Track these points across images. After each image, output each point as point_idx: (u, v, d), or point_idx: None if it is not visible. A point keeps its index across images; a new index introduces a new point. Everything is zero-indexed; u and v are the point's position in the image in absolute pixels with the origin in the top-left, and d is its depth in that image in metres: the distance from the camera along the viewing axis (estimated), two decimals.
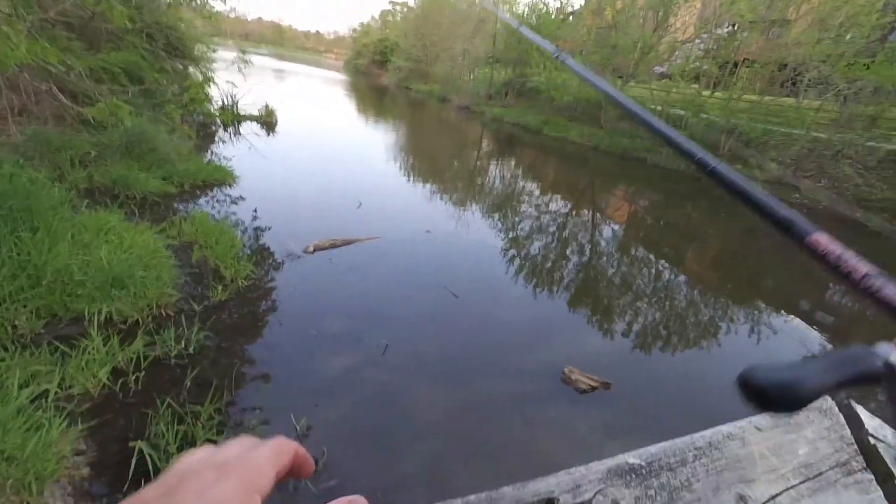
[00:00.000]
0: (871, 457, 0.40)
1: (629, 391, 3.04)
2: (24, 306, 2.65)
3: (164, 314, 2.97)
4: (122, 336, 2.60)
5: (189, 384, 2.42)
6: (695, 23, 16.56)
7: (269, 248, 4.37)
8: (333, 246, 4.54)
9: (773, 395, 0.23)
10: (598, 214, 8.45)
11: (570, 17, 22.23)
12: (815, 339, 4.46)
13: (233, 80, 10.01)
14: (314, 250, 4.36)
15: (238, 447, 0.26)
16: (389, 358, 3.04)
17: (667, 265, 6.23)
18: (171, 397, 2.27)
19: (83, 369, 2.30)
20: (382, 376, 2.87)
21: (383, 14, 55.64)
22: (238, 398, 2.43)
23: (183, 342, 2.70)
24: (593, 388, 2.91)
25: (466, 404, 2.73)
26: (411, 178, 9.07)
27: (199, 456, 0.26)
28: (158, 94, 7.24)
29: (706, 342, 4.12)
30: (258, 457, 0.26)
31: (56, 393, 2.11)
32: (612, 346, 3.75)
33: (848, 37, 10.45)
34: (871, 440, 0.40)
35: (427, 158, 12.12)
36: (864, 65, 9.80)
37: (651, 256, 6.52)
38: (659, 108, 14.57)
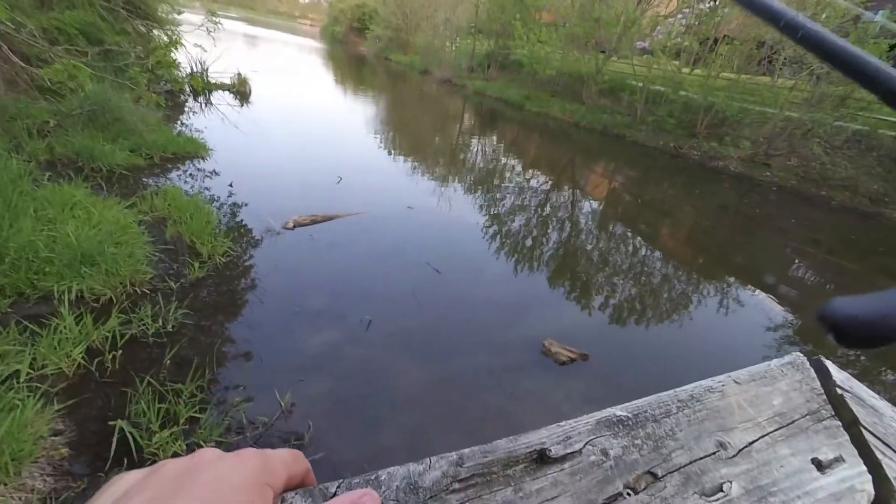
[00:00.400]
0: (838, 406, 0.44)
1: (606, 362, 3.17)
2: None
3: (138, 292, 2.89)
4: (95, 315, 2.53)
5: (168, 363, 2.39)
6: None
7: (246, 225, 4.26)
8: (314, 222, 4.46)
9: (856, 331, 0.21)
10: (577, 191, 8.54)
11: None
12: (778, 312, 4.72)
13: (201, 44, 9.44)
14: (294, 226, 4.28)
15: (256, 450, 0.28)
16: (372, 334, 3.06)
17: (643, 241, 6.40)
18: (150, 376, 2.24)
19: (56, 349, 2.24)
20: (366, 352, 2.90)
21: None
22: (220, 376, 2.42)
23: (161, 320, 2.65)
24: (572, 360, 3.03)
25: (448, 377, 2.80)
26: (392, 153, 8.90)
27: (218, 451, 0.27)
28: (120, 58, 6.77)
29: (678, 315, 4.31)
30: (274, 456, 0.27)
31: (28, 374, 2.05)
32: (589, 320, 3.88)
33: (823, 16, 10.58)
34: (839, 391, 0.45)
35: (408, 133, 11.87)
36: None
37: (628, 233, 6.67)
38: (640, 84, 14.59)
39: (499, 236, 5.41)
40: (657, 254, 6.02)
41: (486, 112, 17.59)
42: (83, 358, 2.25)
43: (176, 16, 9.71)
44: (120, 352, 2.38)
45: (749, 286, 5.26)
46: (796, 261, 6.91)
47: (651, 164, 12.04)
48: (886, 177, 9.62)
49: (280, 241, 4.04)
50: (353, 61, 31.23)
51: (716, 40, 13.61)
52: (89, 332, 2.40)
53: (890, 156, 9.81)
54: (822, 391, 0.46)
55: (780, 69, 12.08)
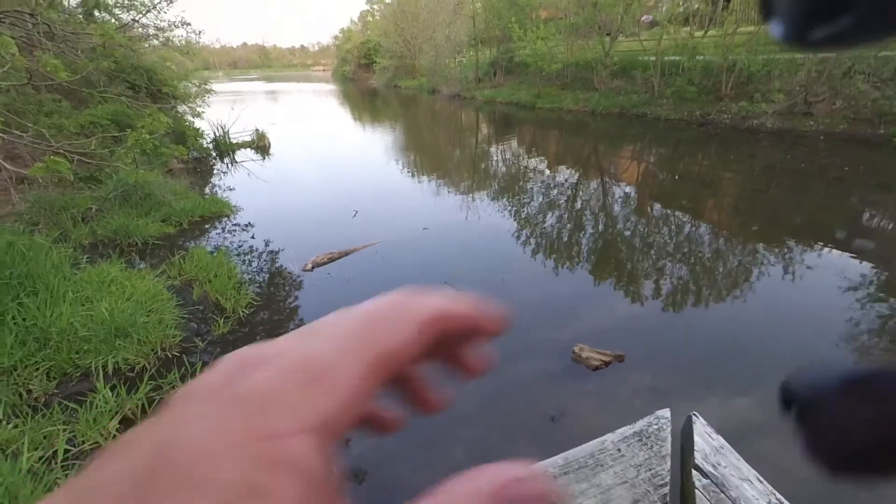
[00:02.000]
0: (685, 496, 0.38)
1: (645, 361, 2.91)
2: (36, 369, 2.73)
3: (168, 356, 3.01)
4: (128, 384, 2.65)
5: None
6: None
7: (267, 274, 4.40)
8: (331, 260, 4.53)
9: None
10: (606, 179, 8.18)
11: None
12: (857, 269, 4.18)
13: (225, 110, 10.15)
14: (312, 267, 4.36)
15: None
16: None
17: (686, 219, 5.97)
18: None
19: (93, 423, 2.35)
20: None
21: (362, 15, 55.30)
22: None
23: (188, 380, 2.73)
24: (606, 363, 2.80)
25: (471, 398, 2.67)
26: (407, 177, 9.00)
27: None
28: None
29: (736, 292, 3.92)
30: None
31: (67, 452, 2.16)
32: (629, 315, 3.62)
33: None
34: (694, 475, 0.37)
35: (422, 153, 12.01)
36: None
37: (668, 213, 6.26)
38: (653, 58, 13.98)
39: (521, 242, 5.24)
40: (703, 229, 5.59)
41: (499, 118, 17.51)
42: (117, 429, 2.35)
43: (195, 88, 10.52)
44: None
45: (817, 247, 4.74)
46: (866, 210, 6.17)
47: (679, 137, 11.39)
48: None
49: (299, 284, 4.13)
50: (364, 95, 32.40)
51: None
52: (123, 402, 2.51)
53: None
54: (678, 471, 0.40)
55: None
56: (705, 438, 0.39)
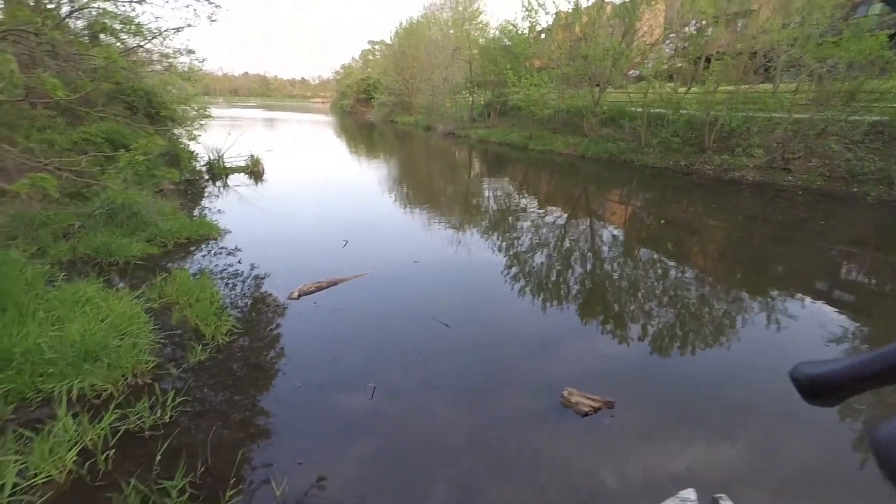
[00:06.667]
0: None
1: (634, 408, 2.85)
2: None
3: (139, 383, 2.85)
4: (93, 412, 2.49)
5: (160, 458, 2.28)
6: (661, 24, 16.95)
7: (253, 300, 4.28)
8: (319, 289, 4.45)
9: (809, 390, 0.28)
10: (594, 221, 8.36)
11: (542, 35, 22.83)
12: (837, 320, 4.25)
13: (222, 134, 10.24)
14: (299, 296, 4.27)
15: None
16: (377, 402, 2.88)
17: (672, 263, 6.07)
18: (141, 473, 2.13)
19: (49, 454, 2.17)
20: (370, 423, 2.71)
21: (364, 54, 57.56)
22: (214, 466, 2.28)
23: (158, 411, 2.58)
24: (595, 410, 2.73)
25: (458, 445, 2.56)
26: (399, 209, 9.06)
27: None
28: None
29: (720, 339, 3.93)
30: None
31: (14, 486, 1.97)
32: (616, 357, 3.58)
33: (813, 19, 10.57)
34: None
35: (415, 187, 12.17)
36: (833, 42, 9.87)
37: (654, 256, 6.37)
38: (639, 109, 14.71)
39: (511, 279, 5.24)
40: (689, 274, 5.68)
41: (492, 157, 18.00)
42: (74, 462, 2.17)
43: (193, 112, 10.64)
44: (113, 450, 2.30)
45: (798, 296, 4.83)
46: (844, 263, 6.37)
47: (665, 184, 11.80)
48: None
49: (284, 312, 4.02)
50: (361, 128, 33.16)
51: (707, 59, 13.75)
52: (85, 431, 2.34)
53: None
54: None
55: (780, 75, 11.96)
56: None
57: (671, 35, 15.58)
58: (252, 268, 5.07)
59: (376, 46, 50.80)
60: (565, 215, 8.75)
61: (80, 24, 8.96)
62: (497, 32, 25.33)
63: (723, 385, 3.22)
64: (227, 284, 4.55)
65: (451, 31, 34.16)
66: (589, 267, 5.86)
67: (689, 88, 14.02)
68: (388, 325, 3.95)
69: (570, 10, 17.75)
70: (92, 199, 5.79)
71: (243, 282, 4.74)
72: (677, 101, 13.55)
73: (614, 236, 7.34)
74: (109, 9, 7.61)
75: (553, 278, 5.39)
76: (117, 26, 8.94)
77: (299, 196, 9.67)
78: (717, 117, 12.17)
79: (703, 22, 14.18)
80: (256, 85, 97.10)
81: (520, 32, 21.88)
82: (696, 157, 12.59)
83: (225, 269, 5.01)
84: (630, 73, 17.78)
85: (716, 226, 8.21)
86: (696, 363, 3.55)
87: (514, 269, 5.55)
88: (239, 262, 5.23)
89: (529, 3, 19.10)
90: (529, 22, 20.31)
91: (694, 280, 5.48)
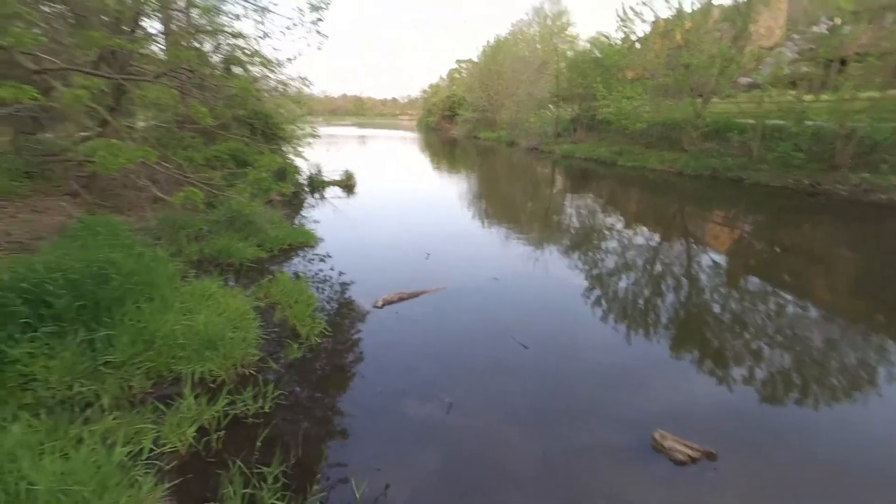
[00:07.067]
0: None
1: (741, 465, 2.50)
2: (139, 369, 3.05)
3: (246, 373, 3.22)
4: (209, 395, 2.85)
5: (260, 444, 2.53)
6: (781, 25, 15.10)
7: (341, 305, 4.61)
8: (401, 299, 4.64)
9: None
10: (691, 244, 7.63)
11: (637, 45, 21.70)
12: None
13: (321, 150, 11.35)
14: (383, 305, 4.50)
15: None
16: (454, 417, 2.90)
17: (789, 297, 5.30)
18: (243, 458, 2.39)
19: (176, 427, 2.54)
20: (445, 436, 2.74)
21: (451, 73, 59.74)
22: (303, 460, 2.47)
23: (259, 401, 2.87)
24: (693, 460, 2.45)
25: (530, 473, 2.46)
26: (480, 224, 9.14)
27: None
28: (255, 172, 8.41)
29: (853, 396, 3.31)
30: None
31: (151, 450, 2.34)
32: (717, 403, 3.19)
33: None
34: None
35: (496, 202, 12.20)
36: None
37: (766, 287, 5.62)
38: (751, 121, 13.18)
39: (594, 302, 4.97)
40: (812, 312, 4.90)
41: (577, 172, 17.40)
42: (194, 437, 2.51)
43: (300, 131, 11.91)
44: (223, 432, 2.61)
45: None
46: None
47: (782, 206, 10.37)
48: None
49: (368, 319, 4.26)
50: (445, 144, 34.26)
51: (843, 61, 11.92)
52: (203, 411, 2.69)
53: None
54: None
55: None
56: None
57: (794, 37, 13.79)
58: (340, 274, 5.47)
59: (463, 65, 52.39)
60: (657, 236, 8.10)
61: (216, 58, 10.61)
62: (587, 45, 24.65)
63: (857, 451, 2.69)
64: (318, 289, 4.95)
65: (539, 46, 34.02)
66: (684, 295, 5.33)
67: (818, 96, 12.22)
68: (466, 340, 3.98)
69: (670, 17, 16.64)
70: (218, 208, 6.73)
71: (332, 287, 5.14)
72: (801, 110, 11.89)
73: (716, 262, 6.60)
74: (241, 45, 8.89)
75: (641, 305, 5.00)
76: (245, 59, 10.42)
77: (385, 208, 10.25)
78: (854, 129, 10.43)
79: (838, 20, 12.34)
80: (352, 105, 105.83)
81: (612, 44, 21.01)
82: (824, 175, 10.88)
83: (317, 274, 5.48)
84: (740, 80, 16.05)
85: (851, 257, 6.99)
86: (820, 420, 3.02)
87: (597, 292, 5.26)
88: (330, 268, 5.68)
89: (624, 13, 18.33)
90: (624, 32, 19.47)
91: (819, 320, 4.70)
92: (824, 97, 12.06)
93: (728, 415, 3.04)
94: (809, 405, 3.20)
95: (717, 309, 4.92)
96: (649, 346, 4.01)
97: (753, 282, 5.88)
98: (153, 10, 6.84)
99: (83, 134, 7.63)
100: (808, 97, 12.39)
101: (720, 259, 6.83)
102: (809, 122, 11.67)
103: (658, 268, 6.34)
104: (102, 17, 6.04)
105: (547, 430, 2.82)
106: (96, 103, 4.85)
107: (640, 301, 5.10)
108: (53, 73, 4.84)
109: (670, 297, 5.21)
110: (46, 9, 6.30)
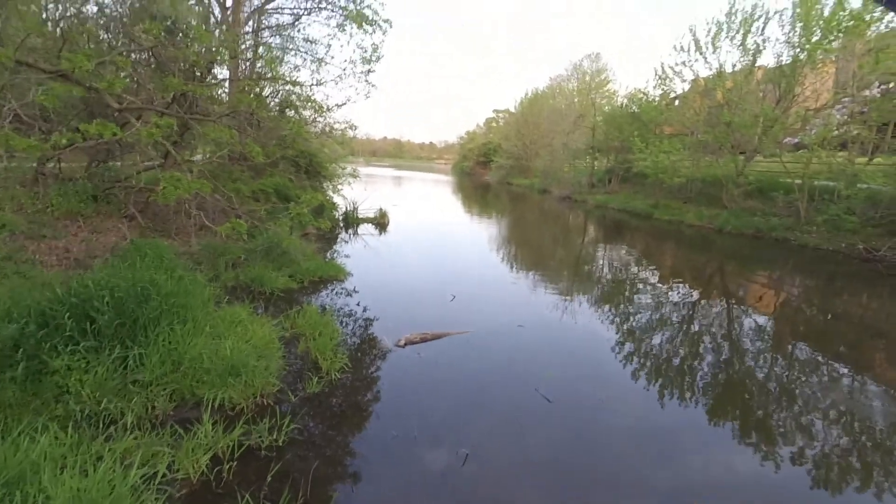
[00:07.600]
0: None
1: None
2: (164, 389, 3.12)
3: (264, 403, 3.22)
4: (226, 422, 2.86)
5: (270, 479, 2.48)
6: (829, 88, 14.88)
7: (364, 341, 4.62)
8: (424, 340, 4.60)
9: None
10: (732, 304, 7.22)
11: (676, 102, 21.89)
12: None
13: (359, 189, 11.87)
14: (405, 344, 4.47)
15: None
16: (469, 468, 2.76)
17: (844, 369, 4.85)
18: (252, 491, 2.34)
19: (191, 453, 2.54)
20: (457, 491, 2.59)
21: (488, 121, 62.05)
22: (311, 501, 2.39)
23: (274, 433, 2.85)
24: None
25: None
26: (508, 269, 9.08)
27: None
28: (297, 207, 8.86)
29: None
30: None
31: (163, 475, 2.34)
32: (760, 479, 2.87)
33: None
34: None
35: (526, 248, 12.15)
36: None
37: (817, 357, 5.19)
38: (798, 181, 12.75)
39: (623, 358, 4.73)
40: (872, 387, 4.46)
41: (610, 223, 17.19)
42: (207, 466, 2.50)
43: (341, 170, 12.55)
44: (236, 462, 2.58)
45: None
46: None
47: (834, 271, 9.75)
48: None
49: (390, 358, 4.22)
50: (478, 188, 34.97)
51: None
52: (218, 439, 2.69)
53: None
54: None
55: None
56: None
57: (845, 100, 13.52)
58: (365, 310, 5.51)
59: (500, 114, 54.39)
60: (696, 293, 7.74)
61: (273, 102, 11.57)
62: (625, 100, 25.11)
63: None
64: (343, 322, 5.00)
65: (576, 100, 34.99)
66: (725, 358, 4.99)
67: (871, 158, 11.75)
68: (488, 387, 3.85)
69: (710, 76, 16.78)
70: (256, 238, 7.07)
71: (356, 322, 5.17)
72: (853, 172, 11.42)
73: (760, 326, 6.18)
74: (296, 91, 9.69)
75: (675, 365, 4.70)
76: (299, 103, 11.30)
77: (415, 247, 10.42)
78: None
79: (892, 84, 12.06)
80: (391, 147, 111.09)
81: (650, 100, 21.29)
82: (882, 240, 10.23)
83: (343, 308, 5.55)
84: (786, 140, 15.71)
85: None
86: None
87: (628, 348, 5.01)
88: (357, 303, 5.75)
89: (663, 71, 18.68)
90: (662, 90, 19.74)
91: (882, 396, 4.24)
92: (878, 160, 11.57)
93: (768, 492, 2.72)
94: (869, 492, 2.82)
95: (761, 376, 4.55)
96: (684, 411, 3.72)
97: (803, 349, 5.44)
98: (225, 61, 7.64)
99: (146, 163, 8.37)
100: (861, 160, 11.93)
101: (765, 322, 6.40)
102: (863, 185, 11.16)
103: (696, 327, 6.01)
104: (181, 63, 6.80)
105: (570, 494, 2.62)
106: (164, 138, 5.36)
107: (676, 361, 4.81)
108: (132, 112, 5.42)
109: (709, 359, 4.89)
110: (135, 55, 7.17)
